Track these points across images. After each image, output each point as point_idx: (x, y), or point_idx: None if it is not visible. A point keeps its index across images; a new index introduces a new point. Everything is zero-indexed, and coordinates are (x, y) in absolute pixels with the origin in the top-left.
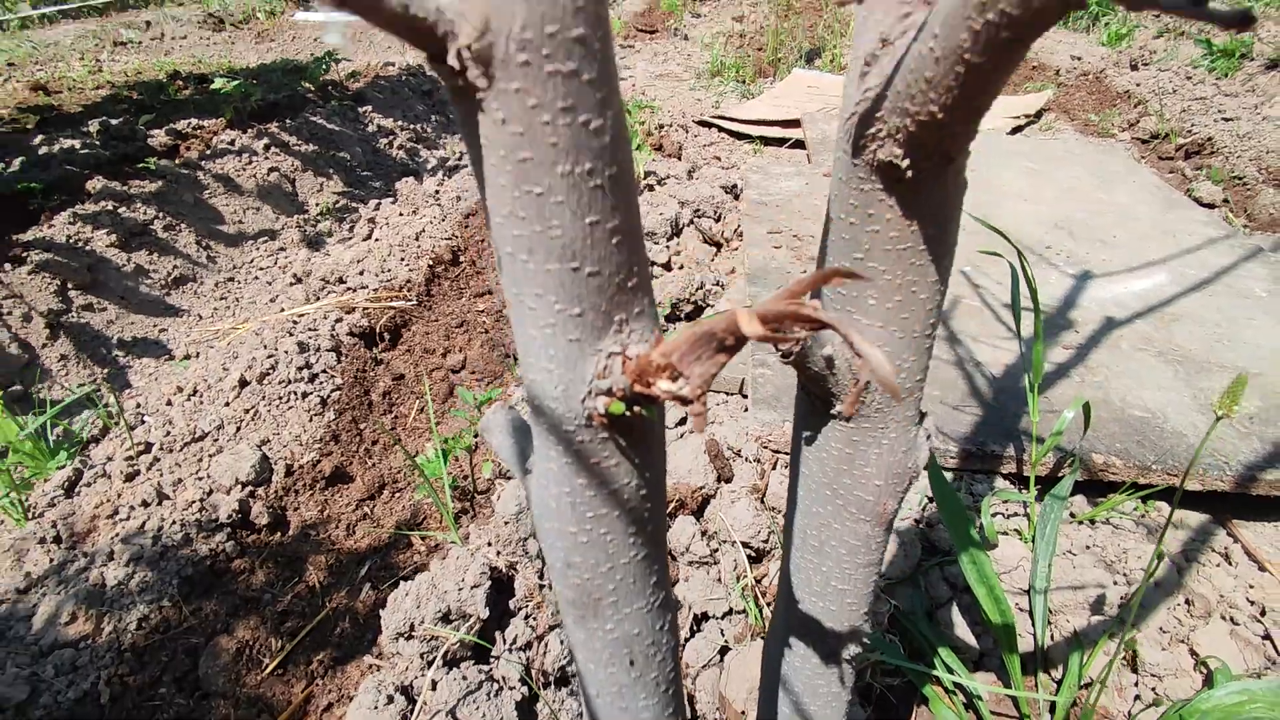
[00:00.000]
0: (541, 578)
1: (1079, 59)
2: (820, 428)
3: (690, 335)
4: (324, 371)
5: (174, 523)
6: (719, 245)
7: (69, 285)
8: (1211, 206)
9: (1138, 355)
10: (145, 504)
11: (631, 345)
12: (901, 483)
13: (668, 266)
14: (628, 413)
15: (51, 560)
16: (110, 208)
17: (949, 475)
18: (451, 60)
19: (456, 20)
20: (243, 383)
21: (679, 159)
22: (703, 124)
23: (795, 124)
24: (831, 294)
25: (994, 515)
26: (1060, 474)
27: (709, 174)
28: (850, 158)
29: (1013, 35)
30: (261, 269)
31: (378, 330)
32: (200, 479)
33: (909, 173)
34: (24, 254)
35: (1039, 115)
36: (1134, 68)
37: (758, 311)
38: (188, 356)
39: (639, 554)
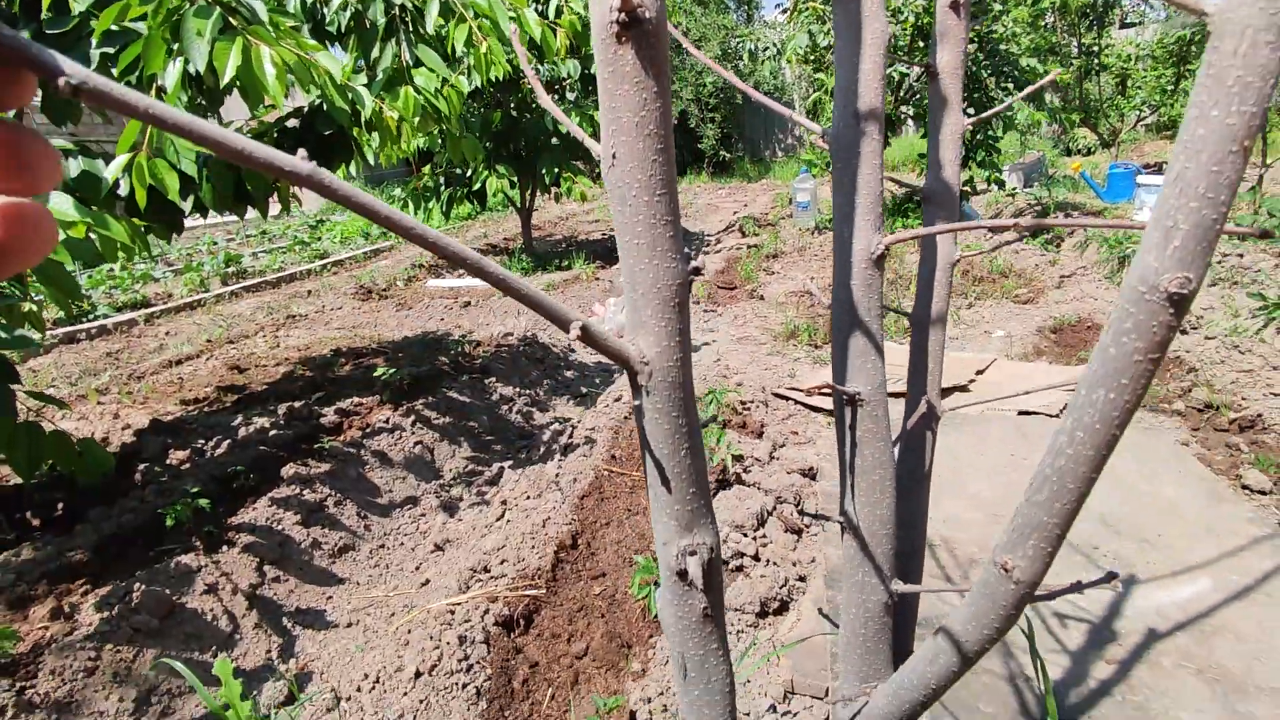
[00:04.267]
0: None
1: None
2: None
3: None
4: (478, 663)
5: None
6: (800, 532)
7: (264, 562)
8: (1263, 494)
9: (1178, 673)
10: None
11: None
12: None
13: (756, 557)
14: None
15: None
16: (297, 491)
17: None
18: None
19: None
20: (417, 674)
21: (760, 437)
22: (779, 396)
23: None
24: None
25: None
26: None
27: (787, 455)
28: None
29: None
30: (406, 535)
31: (515, 617)
32: None
33: None
34: (235, 536)
35: None
36: (1183, 331)
37: None
38: (350, 625)
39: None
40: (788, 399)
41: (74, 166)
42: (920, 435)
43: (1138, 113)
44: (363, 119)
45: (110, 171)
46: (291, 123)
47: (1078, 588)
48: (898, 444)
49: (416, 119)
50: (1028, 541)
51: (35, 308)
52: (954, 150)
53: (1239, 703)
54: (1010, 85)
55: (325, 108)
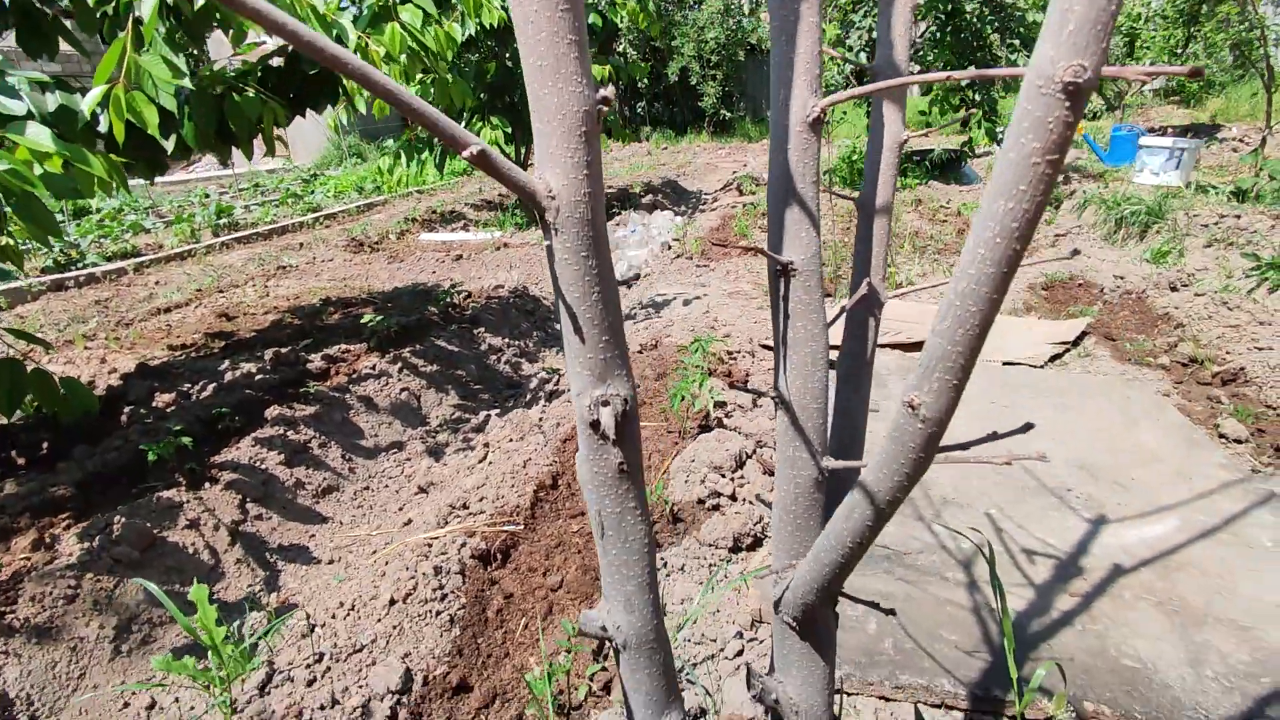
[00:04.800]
0: None
1: (1122, 278)
2: None
3: None
4: (452, 592)
5: None
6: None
7: (247, 499)
8: (1239, 442)
9: (1139, 605)
10: (323, 707)
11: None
12: None
13: (733, 497)
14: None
15: None
16: (281, 432)
17: (960, 716)
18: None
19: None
20: (391, 601)
21: (745, 388)
22: (767, 348)
23: None
24: None
25: None
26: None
27: (771, 403)
28: None
29: None
30: (390, 478)
31: (492, 551)
32: (362, 687)
33: None
34: (218, 474)
35: (1078, 341)
36: (1173, 289)
37: None
38: (332, 561)
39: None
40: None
41: (51, 101)
42: (863, 321)
43: None
44: None
45: (87, 104)
46: (276, 61)
47: (993, 438)
48: (838, 323)
49: (403, 56)
50: (933, 375)
51: (13, 242)
52: (903, 27)
53: (1196, 633)
54: (1015, 42)
55: None
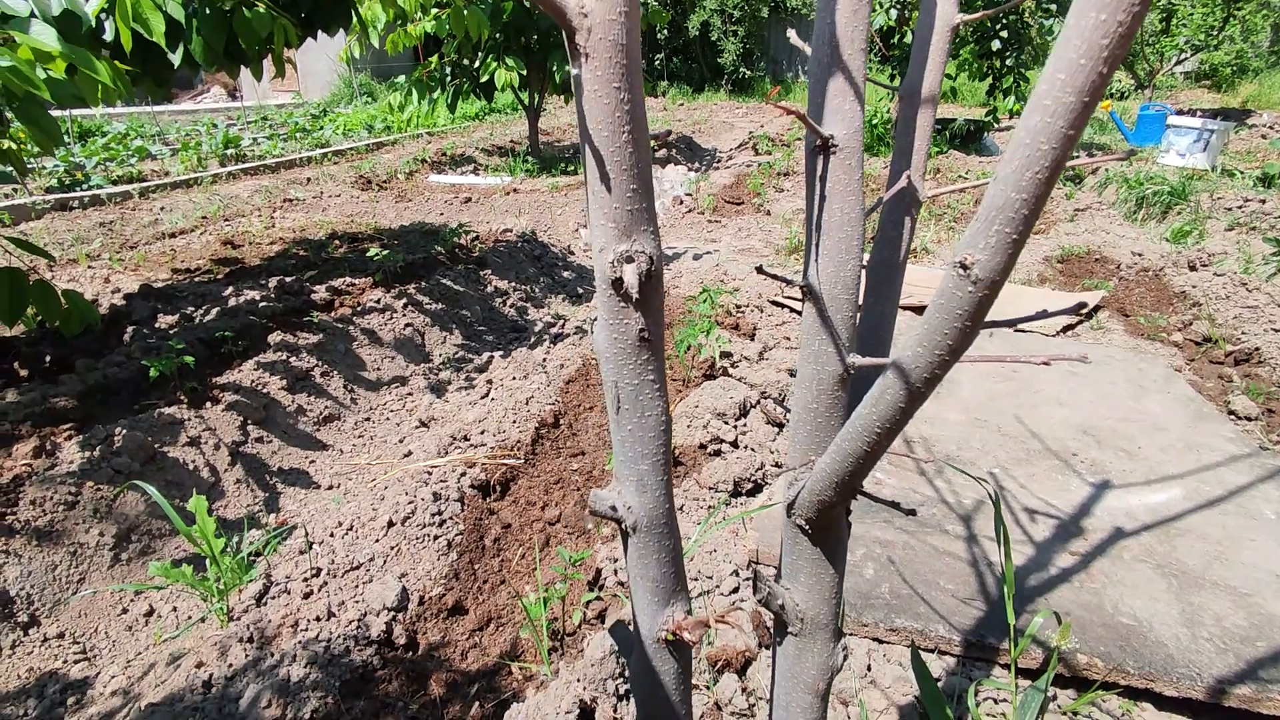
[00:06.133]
0: (616, 711)
1: (1140, 255)
2: (783, 637)
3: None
4: (451, 519)
5: (339, 636)
6: (780, 425)
7: (248, 421)
8: (1249, 419)
9: (1138, 566)
10: (319, 619)
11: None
12: (826, 673)
13: (735, 444)
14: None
15: (248, 657)
16: (284, 357)
17: (953, 661)
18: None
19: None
20: (390, 524)
21: (752, 339)
22: (776, 304)
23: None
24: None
25: (986, 699)
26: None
27: (777, 356)
28: None
29: None
30: (392, 411)
31: (492, 483)
32: (358, 602)
33: None
34: (219, 394)
35: (1092, 313)
36: (1192, 268)
37: (699, 620)
38: (331, 487)
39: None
40: (785, 306)
41: (55, 4)
42: (898, 221)
43: (1179, 52)
44: None
45: (92, 6)
46: None
47: (1043, 315)
48: (875, 213)
49: None
50: (991, 228)
51: (14, 145)
52: None
53: (1192, 595)
54: (1053, 6)
55: None
